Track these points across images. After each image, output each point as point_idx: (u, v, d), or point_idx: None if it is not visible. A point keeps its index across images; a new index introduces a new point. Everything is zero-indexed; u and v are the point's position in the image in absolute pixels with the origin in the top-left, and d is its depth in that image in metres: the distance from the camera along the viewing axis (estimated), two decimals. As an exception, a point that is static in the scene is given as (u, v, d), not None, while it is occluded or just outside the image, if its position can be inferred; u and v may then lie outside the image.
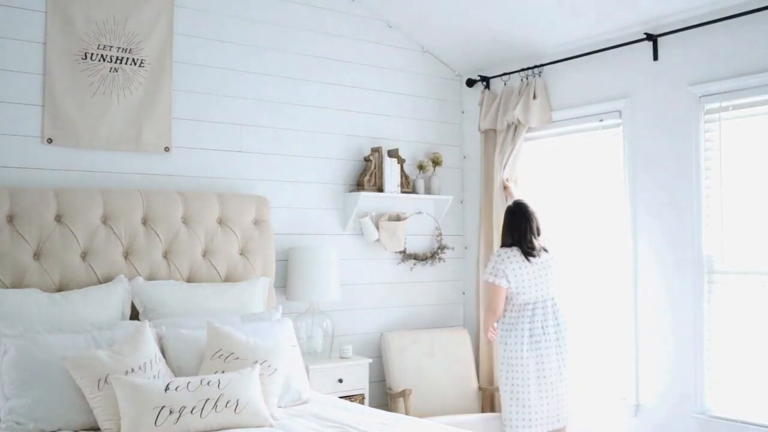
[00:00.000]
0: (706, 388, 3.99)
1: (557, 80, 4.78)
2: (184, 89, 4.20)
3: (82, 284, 3.61)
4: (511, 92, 4.92)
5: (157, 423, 2.83)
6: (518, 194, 4.76)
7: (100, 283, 3.66)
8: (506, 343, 4.16)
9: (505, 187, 4.89)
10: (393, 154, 4.89)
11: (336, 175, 4.80)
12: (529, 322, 4.13)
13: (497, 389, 4.73)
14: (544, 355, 4.11)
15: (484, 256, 4.98)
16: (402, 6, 4.88)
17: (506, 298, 4.18)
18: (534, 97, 4.77)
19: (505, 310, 4.20)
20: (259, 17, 4.51)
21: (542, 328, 4.14)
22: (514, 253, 4.19)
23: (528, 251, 4.18)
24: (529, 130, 4.86)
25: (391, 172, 4.85)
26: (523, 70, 4.87)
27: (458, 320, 5.35)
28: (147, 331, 3.25)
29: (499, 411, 4.68)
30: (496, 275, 4.14)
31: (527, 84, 4.83)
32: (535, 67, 4.83)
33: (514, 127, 4.86)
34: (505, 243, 4.28)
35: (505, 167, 4.89)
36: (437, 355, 4.84)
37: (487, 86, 5.18)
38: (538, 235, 4.28)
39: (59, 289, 3.55)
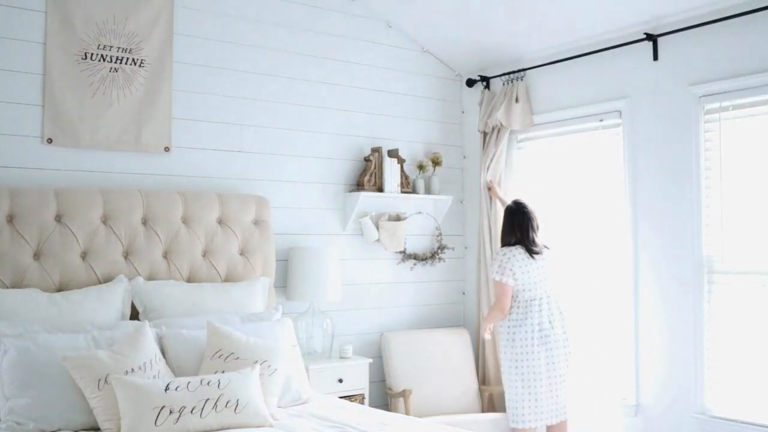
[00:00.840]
0: (705, 388, 3.99)
1: (555, 81, 4.78)
2: (184, 89, 4.20)
3: (82, 284, 3.60)
4: (501, 94, 4.98)
5: (157, 423, 2.83)
6: (504, 196, 4.86)
7: (100, 283, 3.65)
8: (514, 340, 4.19)
9: (489, 188, 4.92)
10: (393, 154, 4.89)
11: (336, 175, 4.80)
12: (538, 317, 4.17)
13: (498, 389, 4.74)
14: (553, 348, 4.17)
15: (485, 256, 4.98)
16: (402, 6, 4.88)
17: (512, 296, 4.21)
18: (516, 100, 4.84)
19: (510, 308, 4.22)
20: (259, 17, 4.51)
21: (550, 322, 4.20)
22: (519, 251, 4.23)
23: (531, 249, 4.22)
24: (512, 132, 4.97)
25: (391, 172, 4.85)
26: (507, 73, 4.96)
27: (458, 320, 5.35)
28: (147, 331, 3.25)
29: (499, 410, 4.70)
30: (503, 273, 4.17)
31: (511, 87, 4.91)
32: (520, 71, 4.91)
33: (497, 130, 4.91)
34: (508, 242, 4.31)
35: (488, 169, 4.93)
36: (437, 355, 4.84)
37: (487, 86, 5.19)
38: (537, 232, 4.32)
39: (59, 289, 3.55)
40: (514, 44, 4.87)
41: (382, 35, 5.07)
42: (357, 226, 4.86)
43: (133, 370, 3.03)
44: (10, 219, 3.50)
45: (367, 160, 4.82)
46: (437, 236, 5.24)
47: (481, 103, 5.14)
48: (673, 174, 4.15)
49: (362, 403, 4.33)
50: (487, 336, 4.43)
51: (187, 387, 2.97)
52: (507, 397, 4.25)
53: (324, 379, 4.24)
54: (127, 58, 3.99)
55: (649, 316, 4.25)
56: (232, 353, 3.31)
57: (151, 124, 4.05)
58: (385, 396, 4.76)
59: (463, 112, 5.46)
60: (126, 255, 3.78)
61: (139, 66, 4.03)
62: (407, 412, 4.41)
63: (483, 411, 4.83)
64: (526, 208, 4.33)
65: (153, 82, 4.07)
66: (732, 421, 3.86)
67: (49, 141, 3.76)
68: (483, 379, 4.98)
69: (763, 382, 3.79)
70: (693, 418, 4.01)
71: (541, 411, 4.16)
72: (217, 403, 2.97)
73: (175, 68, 4.16)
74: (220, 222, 4.11)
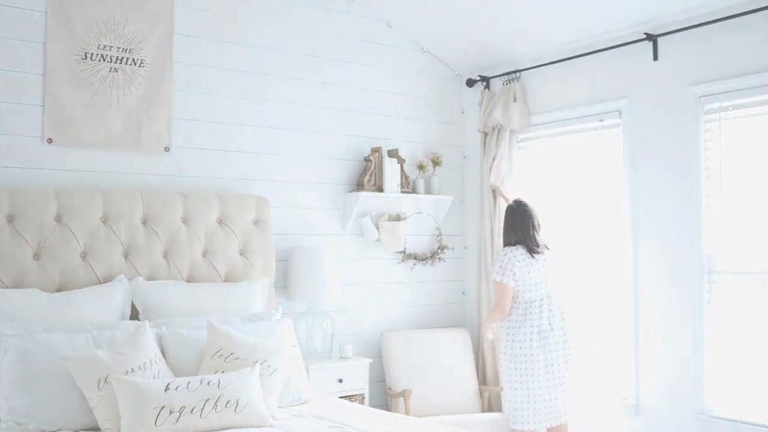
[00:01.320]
0: (706, 388, 3.99)
1: (555, 81, 4.78)
2: (184, 89, 4.20)
3: (82, 284, 3.60)
4: (500, 95, 4.99)
5: (157, 423, 2.83)
6: (513, 195, 4.82)
7: (100, 283, 3.65)
8: (513, 341, 4.18)
9: (493, 190, 4.93)
10: (393, 154, 4.89)
11: (336, 175, 4.80)
12: (538, 319, 4.16)
13: (498, 389, 4.74)
14: (552, 350, 4.16)
15: (485, 256, 4.98)
16: (402, 6, 4.88)
17: (512, 297, 4.21)
18: (514, 100, 4.84)
19: (511, 308, 4.22)
20: (259, 17, 4.51)
21: (549, 324, 4.18)
22: (520, 251, 4.22)
23: (533, 248, 4.22)
24: (512, 132, 4.97)
25: (391, 172, 4.85)
26: (507, 74, 4.98)
27: (458, 320, 5.35)
28: (147, 331, 3.25)
29: (499, 410, 4.69)
30: (503, 274, 4.16)
31: (509, 87, 4.93)
32: (518, 71, 4.92)
33: (498, 130, 4.92)
34: (510, 241, 4.30)
35: (491, 170, 4.93)
36: (437, 355, 4.83)
37: (487, 86, 5.19)
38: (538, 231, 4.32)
39: (59, 289, 3.55)
40: (515, 44, 4.87)
41: (382, 35, 5.07)
42: (357, 226, 4.86)
43: (133, 370, 3.03)
44: (10, 219, 3.50)
45: (367, 160, 4.82)
46: (437, 236, 5.24)
47: (481, 103, 5.14)
48: (673, 174, 4.15)
49: (362, 403, 4.33)
50: (489, 335, 4.42)
51: (187, 387, 2.96)
52: (506, 397, 4.25)
53: (324, 379, 4.24)
54: (127, 58, 3.99)
55: (650, 315, 4.25)
56: (232, 353, 3.31)
57: (151, 124, 4.05)
58: (385, 396, 4.76)
59: (463, 112, 5.46)
60: (126, 255, 3.78)
61: (139, 66, 4.03)
62: (407, 412, 4.41)
63: (483, 411, 4.82)
64: (527, 206, 4.33)
65: (153, 82, 4.07)
66: (732, 421, 3.86)
67: (49, 141, 3.76)
68: (483, 379, 4.98)
69: (763, 382, 3.79)
70: (693, 418, 4.01)
71: (539, 413, 4.14)
72: (217, 403, 2.97)
73: (175, 68, 4.16)
74: (220, 222, 4.11)
